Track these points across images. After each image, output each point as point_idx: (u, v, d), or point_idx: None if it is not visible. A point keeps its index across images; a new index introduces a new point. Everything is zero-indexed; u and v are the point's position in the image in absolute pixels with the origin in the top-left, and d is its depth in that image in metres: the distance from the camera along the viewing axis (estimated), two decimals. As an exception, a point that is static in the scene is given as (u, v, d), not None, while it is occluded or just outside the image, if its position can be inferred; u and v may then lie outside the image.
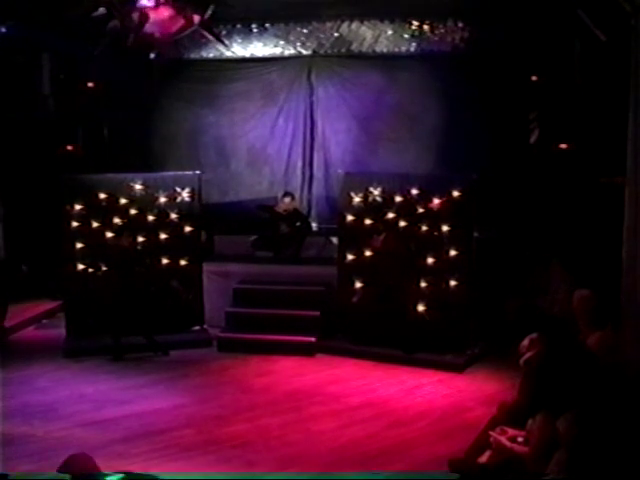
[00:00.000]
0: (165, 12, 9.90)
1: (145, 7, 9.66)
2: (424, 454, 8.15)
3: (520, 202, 12.83)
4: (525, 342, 8.61)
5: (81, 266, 12.06)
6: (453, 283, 11.36)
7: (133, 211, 12.26)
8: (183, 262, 12.43)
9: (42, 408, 9.72)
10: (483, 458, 6.77)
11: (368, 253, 11.81)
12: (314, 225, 14.04)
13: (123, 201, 12.23)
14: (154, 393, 9.09)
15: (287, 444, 8.58)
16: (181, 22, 10.25)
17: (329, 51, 14.49)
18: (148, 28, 9.84)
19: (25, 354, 11.25)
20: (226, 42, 13.10)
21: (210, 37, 11.82)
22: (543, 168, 13.08)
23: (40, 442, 8.64)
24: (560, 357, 7.38)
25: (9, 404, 9.79)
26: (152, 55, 13.56)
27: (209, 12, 10.50)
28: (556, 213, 12.41)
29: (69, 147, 14.67)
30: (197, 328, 12.59)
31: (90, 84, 14.55)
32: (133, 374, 10.71)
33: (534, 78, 13.33)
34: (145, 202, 12.32)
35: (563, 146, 13.02)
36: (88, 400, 9.94)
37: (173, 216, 12.39)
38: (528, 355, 8.29)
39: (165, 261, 12.29)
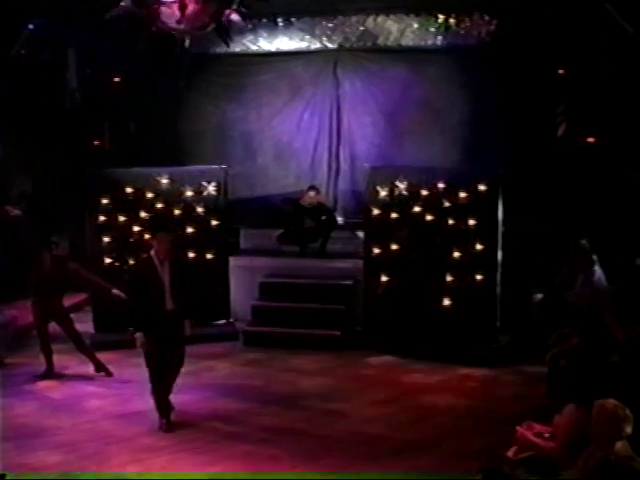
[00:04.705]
0: (191, 6, 9.87)
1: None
2: (452, 449, 8.13)
3: (547, 196, 12.74)
4: (553, 337, 8.60)
5: (108, 260, 12.12)
6: (479, 277, 11.31)
7: (159, 205, 12.30)
8: (209, 256, 12.45)
9: (69, 401, 9.80)
10: (509, 454, 6.74)
11: (394, 247, 11.78)
12: (340, 219, 14.02)
13: (149, 195, 12.28)
14: (180, 386, 9.09)
15: (312, 438, 8.59)
16: (207, 16, 10.21)
17: (355, 45, 14.47)
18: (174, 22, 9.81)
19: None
20: (228, 42, 12.80)
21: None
22: (570, 162, 12.98)
23: (67, 434, 8.72)
24: (595, 350, 7.35)
25: (36, 397, 9.90)
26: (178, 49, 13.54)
27: (234, 6, 10.44)
28: (584, 207, 12.31)
29: (96, 142, 14.74)
30: (223, 322, 12.62)
31: (116, 79, 14.62)
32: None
33: (561, 71, 13.23)
34: (171, 196, 12.37)
35: (590, 140, 12.92)
36: (114, 394, 10.01)
37: (199, 210, 12.42)
38: (556, 350, 8.27)
39: (191, 255, 12.31)
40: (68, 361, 10.93)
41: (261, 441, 8.50)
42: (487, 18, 13.48)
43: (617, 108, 12.35)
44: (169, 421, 8.85)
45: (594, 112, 12.75)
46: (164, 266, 8.86)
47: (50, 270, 10.39)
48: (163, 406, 8.88)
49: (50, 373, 10.56)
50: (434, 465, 7.68)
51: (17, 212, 11.26)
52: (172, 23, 9.06)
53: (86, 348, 10.78)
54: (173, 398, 8.98)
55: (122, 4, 9.14)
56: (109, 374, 10.60)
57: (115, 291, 10.65)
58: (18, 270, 11.97)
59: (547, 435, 6.66)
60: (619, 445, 5.46)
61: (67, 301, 11.08)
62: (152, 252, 8.99)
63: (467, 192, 11.30)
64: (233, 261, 12.86)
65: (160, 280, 8.82)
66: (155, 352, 8.78)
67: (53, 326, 10.67)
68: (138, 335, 8.78)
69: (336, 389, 10.19)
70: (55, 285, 10.46)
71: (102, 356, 10.74)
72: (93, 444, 8.45)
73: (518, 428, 6.88)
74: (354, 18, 14.20)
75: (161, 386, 8.88)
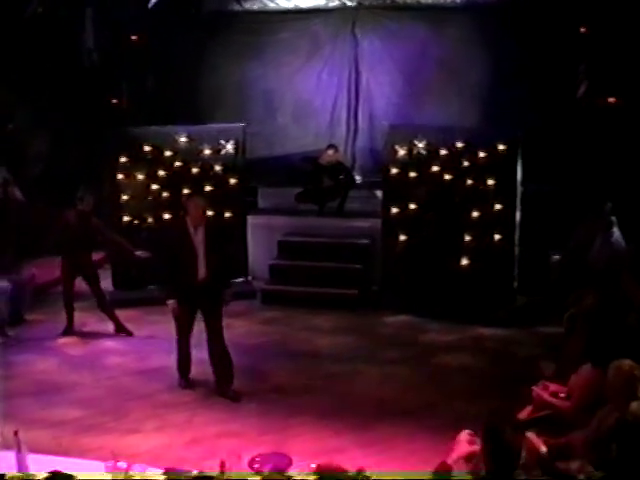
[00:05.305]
0: None
1: None
2: (466, 407, 8.14)
3: (567, 156, 12.65)
4: (571, 298, 8.59)
5: (126, 218, 12.18)
6: (497, 237, 11.29)
7: (178, 163, 12.32)
8: (227, 215, 12.47)
9: (89, 358, 9.92)
10: (524, 413, 6.78)
11: (412, 206, 11.76)
12: (358, 178, 13.99)
13: (168, 153, 12.29)
14: (198, 344, 9.12)
15: (327, 396, 8.67)
16: None
17: (374, 2, 14.40)
18: None
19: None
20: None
21: None
22: (591, 122, 12.86)
23: (88, 390, 8.85)
24: (612, 311, 7.34)
25: (56, 353, 10.01)
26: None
27: None
28: (604, 168, 12.22)
29: (114, 100, 14.73)
30: (241, 280, 12.67)
31: (134, 37, 14.56)
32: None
33: (583, 30, 13.06)
34: (190, 155, 12.37)
35: (611, 100, 12.79)
36: (133, 350, 10.13)
37: (217, 169, 12.42)
38: (573, 311, 8.26)
39: (210, 213, 12.31)
40: (88, 318, 11.03)
41: (277, 399, 8.59)
42: (507, -26, 13.32)
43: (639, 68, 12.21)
44: (188, 380, 8.92)
45: (615, 72, 12.61)
46: (198, 232, 8.48)
47: (76, 225, 10.35)
48: (183, 367, 8.92)
49: (70, 330, 10.66)
50: (445, 424, 7.71)
51: (20, 196, 11.15)
52: None
53: (108, 307, 10.81)
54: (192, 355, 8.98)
55: None
56: (129, 334, 10.66)
57: (138, 252, 10.66)
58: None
59: (563, 395, 6.69)
60: (634, 405, 5.47)
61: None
62: (187, 217, 8.63)
63: (486, 152, 11.24)
64: (251, 220, 12.87)
65: (193, 247, 8.43)
66: (185, 320, 8.70)
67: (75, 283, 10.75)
68: (170, 302, 8.55)
69: (352, 348, 10.24)
70: (81, 240, 10.39)
71: (121, 314, 10.80)
72: (113, 400, 8.57)
73: (534, 388, 6.91)
74: (373, -25, 14.09)
75: (187, 349, 8.87)
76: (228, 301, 8.82)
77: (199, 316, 8.79)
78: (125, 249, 10.87)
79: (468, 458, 4.89)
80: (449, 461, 4.82)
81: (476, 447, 4.91)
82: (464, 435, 4.96)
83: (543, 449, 5.72)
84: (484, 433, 4.85)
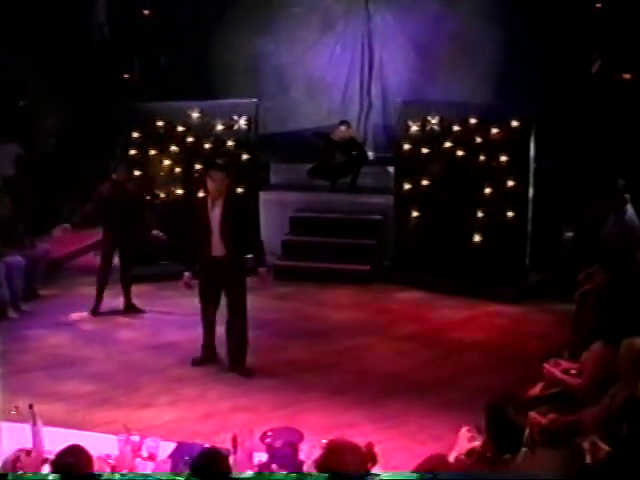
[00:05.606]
0: None
1: None
2: (477, 384, 8.17)
3: (580, 133, 12.59)
4: (582, 275, 8.58)
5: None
6: (510, 214, 11.26)
7: (190, 139, 12.30)
8: (239, 190, 12.46)
9: (102, 332, 9.97)
10: (535, 390, 6.79)
11: (425, 182, 11.73)
12: (370, 154, 13.95)
13: (180, 129, 12.28)
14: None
15: (340, 372, 8.70)
16: None
17: (386, -23, 14.24)
18: None
19: (84, 280, 11.45)
20: None
21: None
22: (605, 98, 12.78)
23: (100, 365, 8.91)
24: (624, 288, 7.32)
25: (69, 328, 10.07)
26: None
27: None
28: (618, 145, 12.16)
29: (125, 75, 14.70)
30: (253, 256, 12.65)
31: (146, 11, 14.52)
32: (189, 300, 10.45)
33: (598, 5, 12.95)
34: (202, 130, 12.34)
35: (626, 76, 12.70)
36: (146, 325, 10.18)
37: (230, 144, 12.40)
38: (584, 288, 8.25)
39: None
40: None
41: (290, 374, 8.64)
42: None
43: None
44: (204, 358, 8.85)
45: (631, 48, 12.50)
46: (215, 207, 8.22)
47: (111, 196, 10.21)
48: (206, 340, 8.85)
49: (97, 309, 10.50)
50: (456, 401, 7.76)
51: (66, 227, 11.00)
52: None
53: (127, 284, 10.65)
54: (202, 331, 8.92)
55: None
56: (139, 311, 10.65)
57: (154, 232, 10.63)
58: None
59: (574, 372, 6.70)
60: None
61: (100, 234, 11.07)
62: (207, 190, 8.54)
63: (499, 128, 11.19)
64: (263, 195, 12.82)
65: (207, 222, 8.21)
66: (205, 296, 8.66)
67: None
68: (185, 274, 8.62)
69: (365, 323, 10.26)
70: (118, 212, 10.18)
71: (134, 289, 10.77)
72: (125, 374, 8.63)
73: (545, 365, 6.92)
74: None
75: (209, 326, 8.81)
76: (263, 278, 8.99)
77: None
78: (145, 225, 10.70)
79: (468, 454, 4.91)
80: (451, 458, 4.84)
81: (476, 443, 4.93)
82: (464, 432, 4.98)
83: (544, 421, 5.74)
84: (487, 414, 4.87)
